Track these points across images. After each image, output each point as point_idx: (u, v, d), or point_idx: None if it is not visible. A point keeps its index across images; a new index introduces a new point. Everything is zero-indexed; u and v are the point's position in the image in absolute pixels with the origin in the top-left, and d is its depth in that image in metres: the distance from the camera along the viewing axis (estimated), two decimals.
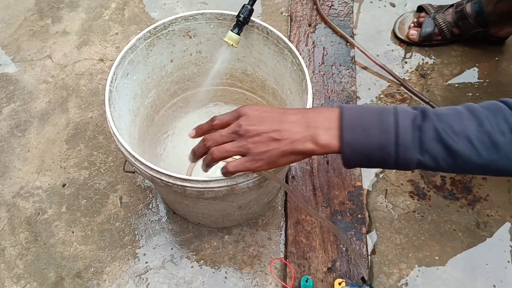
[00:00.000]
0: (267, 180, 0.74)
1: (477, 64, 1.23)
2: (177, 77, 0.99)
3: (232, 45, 0.86)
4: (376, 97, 1.18)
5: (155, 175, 0.72)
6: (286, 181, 1.04)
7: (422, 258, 0.98)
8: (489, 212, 1.03)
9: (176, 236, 1.00)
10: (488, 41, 1.24)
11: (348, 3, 1.30)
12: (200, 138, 0.67)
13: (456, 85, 1.19)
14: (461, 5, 1.20)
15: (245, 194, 0.81)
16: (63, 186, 1.06)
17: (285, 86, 0.92)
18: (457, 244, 1.00)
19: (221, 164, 0.66)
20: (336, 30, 1.24)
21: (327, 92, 1.15)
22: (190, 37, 0.91)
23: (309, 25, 1.26)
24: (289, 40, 0.98)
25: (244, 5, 0.84)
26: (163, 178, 0.71)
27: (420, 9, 1.28)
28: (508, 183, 1.06)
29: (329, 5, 1.29)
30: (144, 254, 0.98)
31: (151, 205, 1.04)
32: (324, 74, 1.18)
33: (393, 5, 1.34)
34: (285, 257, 0.97)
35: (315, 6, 1.28)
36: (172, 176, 0.71)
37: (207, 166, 0.66)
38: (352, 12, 1.30)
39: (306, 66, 1.17)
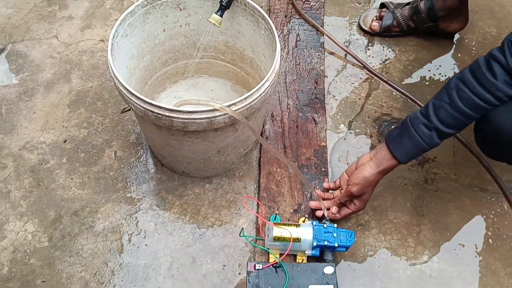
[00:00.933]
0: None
1: (430, 53, 1.42)
2: (168, 46, 1.16)
3: (215, 24, 1.03)
4: (342, 76, 1.35)
5: (148, 107, 0.87)
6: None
7: (376, 206, 1.13)
8: (436, 171, 1.20)
9: (163, 184, 1.14)
10: (440, 35, 1.44)
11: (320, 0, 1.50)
12: None
13: (411, 67, 1.38)
14: (416, 2, 1.40)
15: (222, 135, 0.97)
16: (64, 141, 1.20)
17: (260, 53, 1.09)
18: (407, 195, 1.15)
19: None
20: (308, 20, 1.42)
21: (299, 70, 1.33)
22: (181, 10, 1.09)
23: (285, 16, 1.45)
24: None
25: None
26: (154, 109, 0.87)
27: (382, 5, 1.48)
28: (454, 148, 1.23)
29: (303, 1, 1.49)
30: (134, 198, 1.12)
31: (141, 158, 1.18)
32: (296, 56, 1.36)
33: (359, 3, 1.54)
34: (258, 203, 1.11)
35: (291, 1, 1.48)
36: (162, 107, 0.86)
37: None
38: (323, 7, 1.49)
39: (281, 49, 1.35)
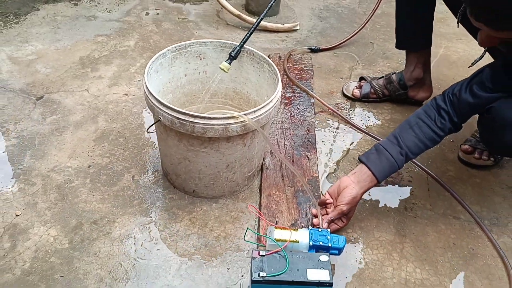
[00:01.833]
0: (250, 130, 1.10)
1: (403, 115, 1.69)
2: (187, 90, 1.40)
3: (223, 70, 1.30)
4: (329, 128, 1.59)
5: (175, 114, 1.07)
6: (262, 171, 1.38)
7: (363, 226, 1.28)
8: (414, 201, 1.37)
9: (174, 202, 1.29)
10: (410, 102, 1.72)
11: (310, 73, 1.81)
12: None
13: (387, 124, 1.63)
14: (389, 74, 1.72)
15: (233, 147, 1.16)
16: (89, 167, 1.36)
17: (263, 94, 1.34)
18: (390, 219, 1.31)
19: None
20: (301, 87, 1.71)
21: (293, 120, 1.57)
22: (201, 59, 1.35)
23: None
24: None
25: (235, 46, 1.30)
26: (180, 116, 1.07)
27: (361, 78, 1.79)
28: (428, 185, 1.42)
29: (296, 73, 1.79)
30: (149, 212, 1.25)
31: (156, 182, 1.34)
32: (291, 110, 1.61)
33: (341, 78, 1.86)
34: (259, 218, 1.25)
35: (285, 74, 1.78)
36: (186, 114, 1.07)
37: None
38: (312, 78, 1.79)
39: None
